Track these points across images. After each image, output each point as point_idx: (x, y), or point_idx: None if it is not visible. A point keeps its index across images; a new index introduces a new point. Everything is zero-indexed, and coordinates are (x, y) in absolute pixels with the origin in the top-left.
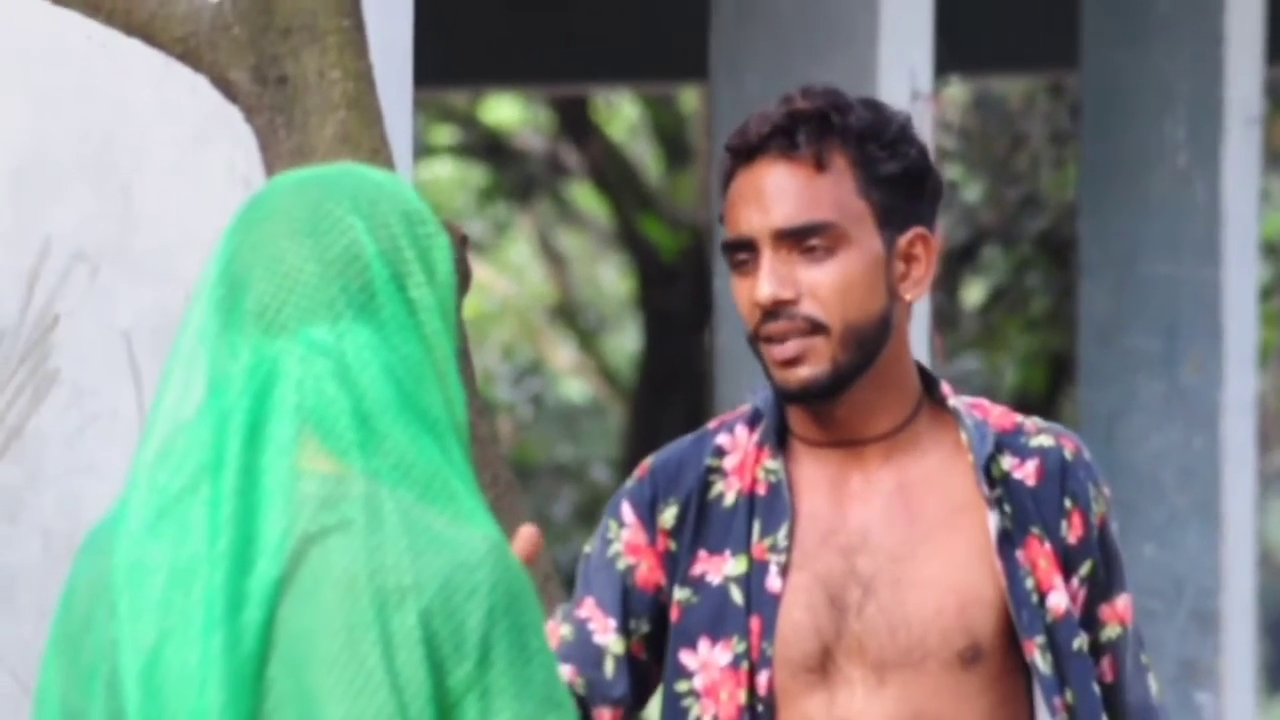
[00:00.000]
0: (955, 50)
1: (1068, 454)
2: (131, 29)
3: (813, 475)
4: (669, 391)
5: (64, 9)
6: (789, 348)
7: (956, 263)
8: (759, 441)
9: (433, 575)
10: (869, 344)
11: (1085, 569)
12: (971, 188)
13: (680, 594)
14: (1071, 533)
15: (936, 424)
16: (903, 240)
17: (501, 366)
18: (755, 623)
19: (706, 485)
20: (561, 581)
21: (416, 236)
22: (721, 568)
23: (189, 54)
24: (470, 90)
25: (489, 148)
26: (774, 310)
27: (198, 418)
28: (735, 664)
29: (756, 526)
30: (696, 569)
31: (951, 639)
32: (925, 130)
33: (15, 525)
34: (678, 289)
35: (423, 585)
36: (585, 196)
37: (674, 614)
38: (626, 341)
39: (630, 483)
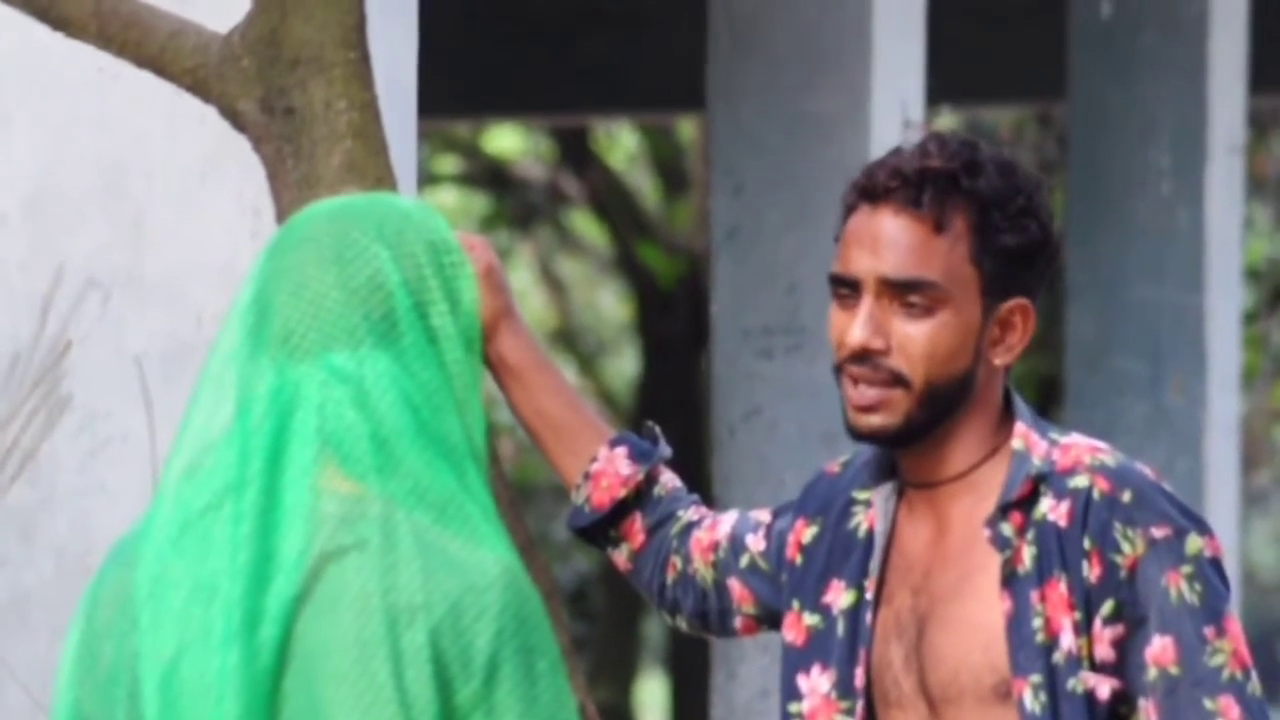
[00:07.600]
0: (946, 81)
1: (1096, 494)
2: (142, 61)
3: (907, 512)
4: (666, 415)
5: (76, 41)
6: (868, 395)
7: None
8: (870, 477)
9: (443, 596)
10: (945, 402)
11: (1106, 609)
12: None
13: (811, 619)
14: (1092, 573)
15: (1006, 464)
16: (1003, 309)
17: None
18: (850, 654)
19: (847, 515)
20: (564, 600)
21: (441, 265)
22: (840, 598)
23: (198, 85)
24: (473, 121)
25: (491, 176)
26: (862, 355)
27: (225, 438)
28: (830, 693)
29: (872, 562)
30: (828, 597)
31: (981, 676)
32: None
33: (29, 545)
34: (675, 315)
35: (433, 605)
36: (585, 224)
37: (799, 637)
38: (625, 366)
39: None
